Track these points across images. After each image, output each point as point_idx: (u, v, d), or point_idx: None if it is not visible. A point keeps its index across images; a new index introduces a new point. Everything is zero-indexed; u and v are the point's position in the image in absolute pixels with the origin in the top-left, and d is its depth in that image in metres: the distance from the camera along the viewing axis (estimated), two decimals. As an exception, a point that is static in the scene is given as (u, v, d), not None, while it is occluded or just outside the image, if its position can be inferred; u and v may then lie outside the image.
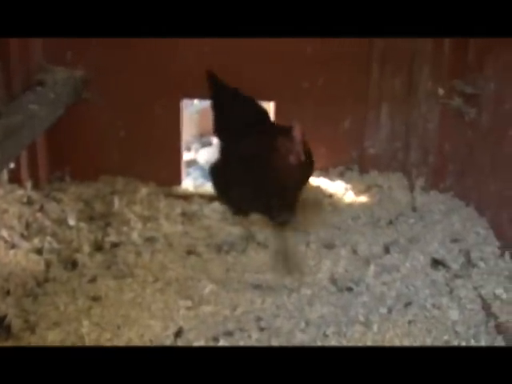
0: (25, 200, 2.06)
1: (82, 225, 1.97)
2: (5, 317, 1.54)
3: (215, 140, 2.70)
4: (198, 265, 1.83)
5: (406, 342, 1.49)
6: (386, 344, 1.49)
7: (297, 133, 1.62)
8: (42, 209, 2.03)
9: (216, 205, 2.09)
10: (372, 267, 1.79)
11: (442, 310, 1.59)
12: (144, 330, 1.54)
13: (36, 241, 1.87)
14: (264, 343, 1.50)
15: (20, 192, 2.08)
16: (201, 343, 1.49)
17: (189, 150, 2.65)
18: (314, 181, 2.13)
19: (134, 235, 1.94)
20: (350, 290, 1.72)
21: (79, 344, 1.48)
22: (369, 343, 1.49)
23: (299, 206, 1.82)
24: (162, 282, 1.73)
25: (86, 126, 2.21)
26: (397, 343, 1.49)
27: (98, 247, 1.88)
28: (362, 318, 1.57)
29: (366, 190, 2.22)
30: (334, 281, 1.76)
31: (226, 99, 1.82)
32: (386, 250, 1.88)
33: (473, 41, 1.98)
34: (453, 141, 2.13)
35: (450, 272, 1.75)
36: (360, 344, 1.49)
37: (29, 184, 2.12)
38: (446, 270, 1.76)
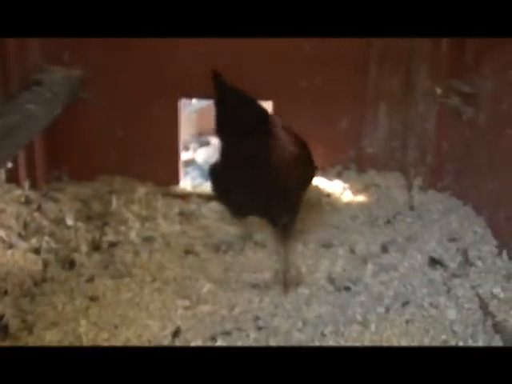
0: (22, 200, 2.05)
1: (80, 224, 1.97)
2: (2, 317, 1.54)
3: (214, 139, 2.71)
4: (195, 264, 1.83)
5: (404, 342, 1.49)
6: (384, 343, 1.49)
7: (274, 125, 1.59)
8: (39, 208, 2.03)
9: (214, 204, 2.10)
10: (370, 266, 1.79)
11: (440, 309, 1.59)
12: (142, 330, 1.53)
13: (34, 240, 1.86)
14: (262, 343, 1.50)
15: (18, 192, 2.08)
16: (198, 343, 1.49)
17: (187, 149, 2.65)
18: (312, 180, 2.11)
19: (132, 235, 1.94)
20: (347, 289, 1.72)
21: (77, 344, 1.48)
22: (366, 343, 1.49)
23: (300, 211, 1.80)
24: (160, 281, 1.73)
25: (84, 126, 2.21)
26: (394, 342, 1.49)
27: (95, 247, 1.88)
28: (359, 318, 1.57)
29: (364, 189, 2.22)
30: (331, 280, 1.76)
31: (230, 99, 1.81)
32: (384, 249, 1.88)
33: (470, 40, 1.98)
34: (450, 140, 2.13)
35: (448, 271, 1.75)
36: (358, 343, 1.49)
37: (26, 184, 2.12)
38: (443, 269, 1.76)
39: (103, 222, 2.00)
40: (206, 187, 2.29)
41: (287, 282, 1.74)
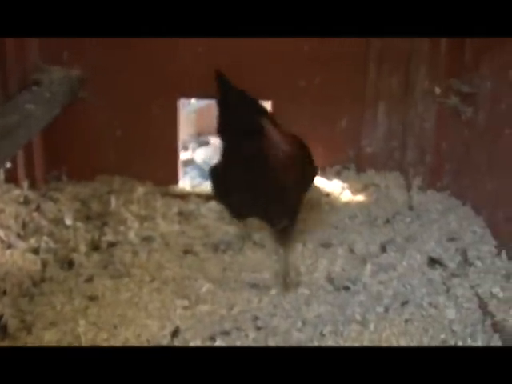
0: (21, 200, 2.05)
1: (79, 224, 1.96)
2: (1, 317, 1.53)
3: (213, 139, 2.71)
4: (194, 264, 1.82)
5: (403, 341, 1.49)
6: (383, 343, 1.49)
7: (267, 125, 1.59)
8: (38, 208, 2.03)
9: (213, 204, 2.09)
10: (369, 266, 1.79)
11: (439, 309, 1.59)
12: (141, 330, 1.53)
13: (32, 240, 1.86)
14: (261, 342, 1.50)
15: (16, 192, 2.07)
16: (197, 343, 1.49)
17: (186, 149, 2.65)
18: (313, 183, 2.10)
19: (131, 235, 1.94)
20: (346, 289, 1.72)
21: (76, 344, 1.48)
22: (365, 342, 1.49)
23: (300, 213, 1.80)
24: (159, 281, 1.73)
25: (83, 126, 2.21)
26: (393, 342, 1.49)
27: (94, 247, 1.88)
28: (358, 317, 1.57)
29: (363, 188, 2.22)
30: (330, 280, 1.76)
31: (233, 100, 1.81)
32: (383, 249, 1.88)
33: (469, 40, 1.98)
34: (449, 140, 2.13)
35: (447, 271, 1.75)
36: (357, 343, 1.49)
37: (25, 184, 2.11)
38: (442, 268, 1.76)
39: (102, 222, 1.99)
40: (205, 187, 2.29)
41: (287, 282, 1.74)
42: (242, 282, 1.75)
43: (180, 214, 2.09)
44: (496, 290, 1.62)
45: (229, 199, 1.81)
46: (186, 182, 2.37)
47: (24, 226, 1.94)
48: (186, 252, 1.88)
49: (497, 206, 1.86)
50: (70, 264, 1.79)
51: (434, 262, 1.78)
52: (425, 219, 2.02)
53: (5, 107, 1.81)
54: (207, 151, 2.64)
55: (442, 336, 1.51)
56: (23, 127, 1.73)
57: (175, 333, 1.53)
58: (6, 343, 1.46)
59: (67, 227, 1.95)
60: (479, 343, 1.48)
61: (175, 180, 2.27)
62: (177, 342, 1.50)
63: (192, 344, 1.49)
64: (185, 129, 2.52)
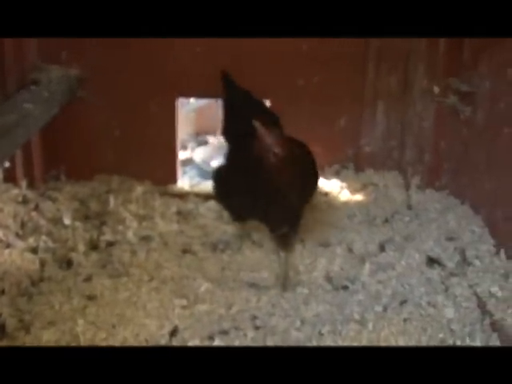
0: (20, 199, 2.05)
1: (78, 224, 1.96)
2: (-1, 316, 1.54)
3: (211, 139, 2.71)
4: (193, 263, 1.82)
5: (402, 340, 1.49)
6: (382, 342, 1.49)
7: (261, 130, 1.56)
8: (37, 208, 2.03)
9: (211, 203, 2.09)
10: (367, 265, 1.79)
11: (438, 308, 1.59)
12: (139, 329, 1.53)
13: (31, 240, 1.86)
14: (259, 342, 1.50)
15: (15, 191, 2.07)
16: (196, 342, 1.49)
17: (185, 148, 2.65)
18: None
19: (130, 234, 1.94)
20: (345, 288, 1.72)
21: (74, 343, 1.48)
22: (364, 341, 1.49)
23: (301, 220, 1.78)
24: (158, 280, 1.73)
25: (82, 125, 2.21)
26: (392, 341, 1.49)
27: (93, 246, 1.88)
28: (357, 317, 1.57)
29: (362, 188, 2.22)
30: (329, 279, 1.76)
31: (238, 101, 1.79)
32: (382, 249, 1.88)
33: (468, 39, 1.98)
34: (448, 139, 2.13)
35: (446, 270, 1.75)
36: (355, 342, 1.49)
37: (24, 183, 2.11)
38: (441, 268, 1.76)
39: (101, 222, 1.99)
40: (204, 186, 2.29)
41: (286, 283, 1.74)
42: (241, 281, 1.75)
43: (179, 213, 2.09)
44: (494, 289, 1.62)
45: (230, 202, 1.80)
46: (185, 181, 2.36)
47: (23, 225, 1.94)
48: (185, 251, 1.88)
49: (495, 205, 1.86)
50: (69, 263, 1.79)
51: (432, 261, 1.79)
52: (423, 218, 2.02)
53: (3, 106, 1.81)
54: (206, 151, 2.64)
55: (441, 335, 1.51)
56: (21, 126, 1.73)
57: (174, 332, 1.53)
58: (4, 343, 1.46)
59: (66, 226, 1.95)
60: (478, 342, 1.48)
61: (174, 179, 2.27)
62: (175, 342, 1.50)
63: (190, 343, 1.49)
64: (184, 128, 2.52)
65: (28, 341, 1.48)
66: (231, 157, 1.79)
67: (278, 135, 1.57)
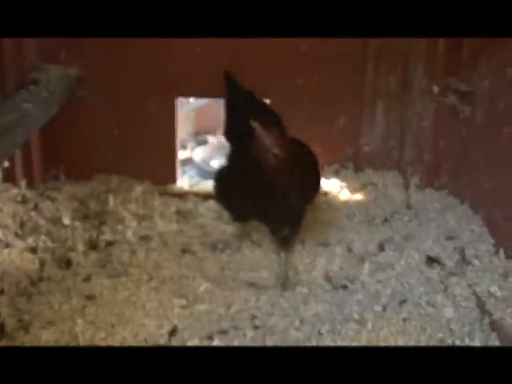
0: (19, 199, 2.05)
1: (77, 223, 1.96)
2: (-2, 316, 1.54)
3: (211, 138, 2.71)
4: (192, 263, 1.82)
5: (401, 340, 1.49)
6: (381, 341, 1.49)
7: (260, 132, 1.54)
8: (36, 208, 2.03)
9: (211, 203, 2.09)
10: (367, 265, 1.79)
11: (437, 308, 1.59)
12: (138, 329, 1.53)
13: (30, 240, 1.86)
14: (258, 341, 1.50)
15: (14, 191, 2.07)
16: (195, 342, 1.49)
17: (184, 148, 2.65)
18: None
19: (129, 234, 1.93)
20: (344, 287, 1.72)
21: (73, 343, 1.48)
22: (363, 341, 1.49)
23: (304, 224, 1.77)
24: (157, 280, 1.73)
25: (81, 125, 2.21)
26: (391, 341, 1.49)
27: (92, 246, 1.88)
28: (356, 316, 1.57)
29: (361, 187, 2.22)
30: (328, 279, 1.76)
31: (241, 102, 1.78)
32: (381, 248, 1.88)
33: (467, 39, 1.98)
34: (447, 138, 2.13)
35: (445, 270, 1.75)
36: (354, 342, 1.49)
37: (23, 183, 2.11)
38: (440, 267, 1.76)
39: (100, 221, 1.99)
40: (203, 186, 2.29)
41: (286, 283, 1.74)
42: (240, 281, 1.75)
43: (178, 213, 2.09)
44: (494, 288, 1.62)
45: (231, 203, 1.79)
46: (185, 181, 2.36)
47: (22, 225, 1.94)
48: (184, 251, 1.88)
49: (495, 204, 1.86)
50: (68, 263, 1.79)
51: (431, 260, 1.79)
52: (423, 218, 2.02)
53: (2, 106, 1.81)
54: (206, 150, 2.64)
55: (440, 335, 1.51)
56: (21, 126, 1.73)
57: (173, 332, 1.53)
58: (3, 343, 1.46)
59: (65, 226, 1.95)
60: (477, 342, 1.48)
61: (173, 179, 2.27)
62: (174, 341, 1.50)
63: (190, 343, 1.49)
64: (183, 128, 2.52)
65: (27, 341, 1.48)
66: (233, 158, 1.78)
67: (277, 136, 1.55)
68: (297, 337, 1.52)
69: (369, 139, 2.25)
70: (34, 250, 1.82)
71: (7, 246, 1.83)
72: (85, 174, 2.23)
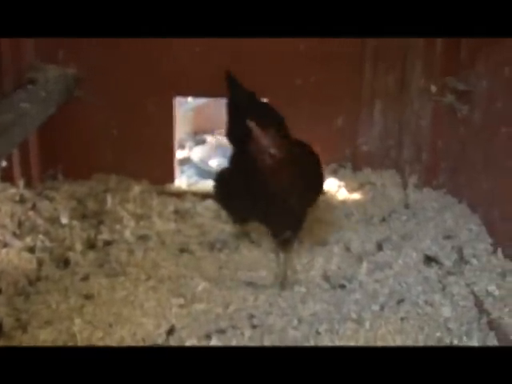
0: (17, 198, 2.05)
1: (75, 223, 1.96)
2: (-4, 316, 1.54)
3: (209, 138, 2.71)
4: (190, 263, 1.82)
5: (399, 339, 1.49)
6: (379, 341, 1.49)
7: (257, 132, 1.54)
8: (34, 207, 2.03)
9: (209, 203, 2.10)
10: (365, 264, 1.79)
11: (435, 307, 1.59)
12: (136, 328, 1.53)
13: (28, 239, 1.86)
14: (256, 341, 1.50)
15: (12, 190, 2.07)
16: (193, 341, 1.49)
17: (183, 147, 2.65)
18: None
19: (127, 233, 1.94)
20: (342, 287, 1.72)
21: (71, 342, 1.48)
22: (361, 340, 1.49)
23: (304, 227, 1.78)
24: (155, 280, 1.73)
25: (79, 124, 2.21)
26: (389, 340, 1.49)
27: (90, 245, 1.88)
28: (354, 315, 1.57)
29: (359, 187, 2.22)
30: (326, 278, 1.76)
31: (243, 102, 1.78)
32: (379, 247, 1.88)
33: (465, 38, 1.98)
34: (445, 138, 2.13)
35: (443, 269, 1.75)
36: (352, 341, 1.49)
37: (21, 182, 2.11)
38: (438, 266, 1.76)
39: (98, 221, 1.99)
40: (202, 185, 2.29)
41: (285, 283, 1.74)
42: (238, 280, 1.75)
43: (176, 212, 2.09)
44: (492, 287, 1.61)
45: (232, 205, 1.79)
46: (183, 180, 2.36)
47: (20, 224, 1.93)
48: (182, 250, 1.88)
49: (493, 204, 1.86)
50: (66, 263, 1.79)
51: (429, 260, 1.78)
52: (421, 217, 2.02)
53: (0, 106, 1.80)
54: (204, 150, 2.63)
55: (438, 334, 1.51)
56: (18, 126, 1.73)
57: (171, 331, 1.53)
58: (1, 342, 1.46)
59: (63, 226, 1.95)
60: (475, 341, 1.48)
61: (171, 179, 2.27)
62: (172, 341, 1.50)
63: (188, 342, 1.49)
64: (181, 127, 2.52)
65: (25, 340, 1.48)
66: (234, 159, 1.77)
67: (275, 136, 1.54)
68: (295, 336, 1.52)
69: (367, 139, 2.25)
70: (31, 250, 1.82)
71: (5, 245, 1.83)
72: (83, 174, 2.23)
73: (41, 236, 1.88)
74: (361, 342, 1.48)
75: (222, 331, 1.53)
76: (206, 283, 1.72)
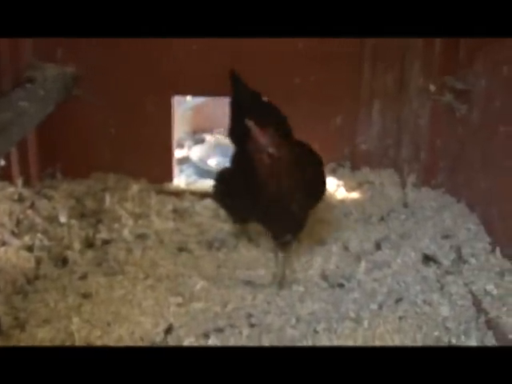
0: (15, 197, 2.05)
1: (73, 222, 1.96)
2: (-6, 314, 1.54)
3: (208, 137, 2.71)
4: (189, 261, 1.82)
5: (397, 338, 1.49)
6: (377, 340, 1.49)
7: (255, 131, 1.53)
8: (32, 206, 2.02)
9: (207, 202, 2.10)
10: (363, 263, 1.79)
11: (433, 306, 1.59)
12: (134, 327, 1.53)
13: (27, 238, 1.86)
14: (254, 339, 1.50)
15: (11, 189, 2.07)
16: (191, 340, 1.49)
17: (182, 147, 2.65)
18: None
19: (125, 232, 1.93)
20: (341, 286, 1.72)
21: (69, 341, 1.48)
22: (359, 339, 1.49)
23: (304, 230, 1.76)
24: (153, 278, 1.73)
25: (77, 123, 2.20)
26: (387, 339, 1.49)
27: (88, 244, 1.88)
28: (352, 314, 1.57)
29: (358, 186, 2.22)
30: (325, 277, 1.76)
31: (245, 102, 1.77)
32: (378, 247, 1.88)
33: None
34: (444, 137, 2.13)
35: (441, 268, 1.75)
36: (350, 340, 1.49)
37: (19, 181, 2.11)
38: (437, 266, 1.76)
39: (97, 220, 1.99)
40: (200, 185, 2.29)
41: (282, 282, 1.74)
42: (236, 279, 1.75)
43: (174, 211, 2.09)
44: (490, 287, 1.62)
45: (232, 205, 1.78)
46: (182, 179, 2.36)
47: (18, 223, 1.93)
48: (181, 249, 1.88)
49: (491, 203, 1.86)
50: (64, 261, 1.79)
51: (428, 259, 1.79)
52: (419, 216, 2.02)
53: (-2, 104, 1.81)
54: (203, 149, 2.63)
55: (436, 333, 1.51)
56: (17, 124, 1.73)
57: (169, 330, 1.53)
58: (-1, 341, 1.47)
59: (61, 225, 1.95)
60: (473, 340, 1.48)
61: (170, 177, 2.27)
62: (170, 340, 1.50)
63: (186, 341, 1.49)
64: (180, 126, 2.52)
65: (23, 339, 1.48)
66: (236, 159, 1.76)
67: (274, 135, 1.53)
68: (293, 335, 1.52)
69: (365, 138, 2.25)
70: (30, 249, 1.82)
71: (3, 244, 1.83)
72: (81, 173, 2.23)
73: (39, 235, 1.88)
74: (359, 341, 1.49)
75: (220, 330, 1.53)
76: (205, 282, 1.72)
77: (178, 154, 2.42)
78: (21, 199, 2.05)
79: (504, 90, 1.79)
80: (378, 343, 1.48)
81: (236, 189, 1.69)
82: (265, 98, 1.87)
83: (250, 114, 1.57)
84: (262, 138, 1.51)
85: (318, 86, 2.20)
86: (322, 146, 2.21)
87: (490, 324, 1.51)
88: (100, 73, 2.15)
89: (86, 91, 2.14)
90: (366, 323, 1.53)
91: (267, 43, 2.00)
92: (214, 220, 2.04)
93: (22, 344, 1.45)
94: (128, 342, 1.49)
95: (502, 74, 1.79)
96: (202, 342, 1.49)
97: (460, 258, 1.78)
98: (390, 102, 2.21)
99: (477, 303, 1.59)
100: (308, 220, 1.74)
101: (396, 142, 2.24)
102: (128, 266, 1.78)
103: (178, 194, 2.19)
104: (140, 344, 1.49)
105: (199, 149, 2.64)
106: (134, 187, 2.16)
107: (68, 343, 1.47)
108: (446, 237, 1.88)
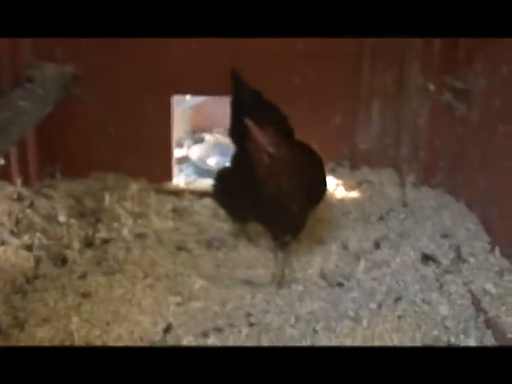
0: (15, 196, 2.05)
1: (73, 221, 1.96)
2: (-7, 313, 1.54)
3: (208, 136, 2.71)
4: (188, 261, 1.82)
5: (396, 337, 1.49)
6: (376, 339, 1.49)
7: (254, 130, 1.52)
8: (32, 205, 2.02)
9: (207, 201, 2.10)
10: (362, 262, 1.79)
11: (432, 305, 1.60)
12: (133, 326, 1.53)
13: (26, 237, 1.86)
14: (253, 339, 1.50)
15: (10, 189, 2.07)
16: (190, 339, 1.49)
17: (181, 146, 2.65)
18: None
19: (125, 231, 1.93)
20: (340, 285, 1.73)
21: (68, 340, 1.48)
22: (358, 338, 1.49)
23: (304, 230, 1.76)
24: (152, 277, 1.73)
25: (77, 123, 2.20)
26: (386, 338, 1.49)
27: (88, 243, 1.88)
28: (351, 314, 1.58)
29: (357, 185, 2.22)
30: (324, 276, 1.76)
31: (246, 101, 1.77)
32: (377, 246, 1.88)
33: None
34: (443, 137, 2.13)
35: (440, 267, 1.75)
36: (349, 339, 1.49)
37: (19, 181, 2.11)
38: (436, 265, 1.76)
39: (96, 219, 1.99)
40: (199, 184, 2.29)
41: (282, 282, 1.74)
42: (236, 278, 1.75)
43: (174, 210, 2.09)
44: (489, 286, 1.62)
45: (232, 205, 1.78)
46: (181, 179, 2.36)
47: (17, 222, 1.93)
48: (180, 249, 1.88)
49: (490, 202, 1.86)
50: (64, 261, 1.79)
51: (427, 258, 1.79)
52: (419, 216, 2.02)
53: (-3, 104, 1.81)
54: (202, 148, 2.63)
55: (435, 332, 1.51)
56: (16, 124, 1.73)
57: (168, 329, 1.53)
58: (-2, 340, 1.47)
59: (61, 224, 1.95)
60: (472, 339, 1.48)
61: (169, 177, 2.27)
62: (169, 339, 1.50)
63: (185, 340, 1.49)
64: (180, 126, 2.51)
65: (22, 338, 1.48)
66: (236, 158, 1.76)
67: (273, 135, 1.53)
68: (292, 334, 1.52)
69: (365, 137, 2.25)
70: (29, 248, 1.82)
71: (2, 243, 1.82)
72: (81, 172, 2.23)
73: (38, 234, 1.87)
74: (358, 340, 1.49)
75: (219, 329, 1.54)
76: (204, 281, 1.72)
77: (177, 153, 2.42)
78: (20, 198, 2.05)
79: (503, 90, 1.79)
80: (377, 342, 1.48)
81: (236, 188, 1.69)
82: (266, 98, 1.87)
83: (250, 113, 1.57)
84: (262, 138, 1.51)
85: (317, 85, 2.19)
86: (322, 145, 2.21)
87: (489, 323, 1.51)
88: (99, 72, 2.15)
89: (86, 90, 2.14)
90: (365, 322, 1.54)
91: (267, 43, 2.00)
92: (213, 219, 2.04)
93: (22, 343, 1.46)
94: (127, 341, 1.49)
95: (502, 74, 1.79)
96: (201, 342, 1.50)
97: (459, 258, 1.78)
98: (389, 102, 2.20)
99: (476, 302, 1.59)
100: (308, 220, 1.74)
101: (395, 142, 2.24)
102: (127, 265, 1.78)
103: (178, 193, 2.18)
104: (139, 343, 1.49)
105: (199, 148, 2.64)
106: (134, 186, 2.16)
107: (67, 342, 1.48)
108: (445, 236, 1.88)
